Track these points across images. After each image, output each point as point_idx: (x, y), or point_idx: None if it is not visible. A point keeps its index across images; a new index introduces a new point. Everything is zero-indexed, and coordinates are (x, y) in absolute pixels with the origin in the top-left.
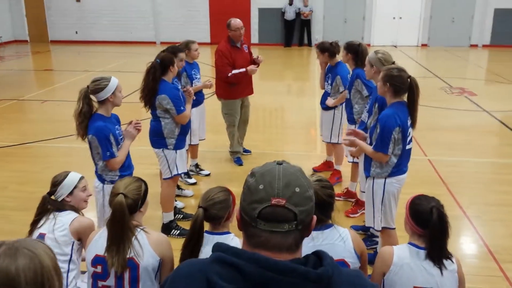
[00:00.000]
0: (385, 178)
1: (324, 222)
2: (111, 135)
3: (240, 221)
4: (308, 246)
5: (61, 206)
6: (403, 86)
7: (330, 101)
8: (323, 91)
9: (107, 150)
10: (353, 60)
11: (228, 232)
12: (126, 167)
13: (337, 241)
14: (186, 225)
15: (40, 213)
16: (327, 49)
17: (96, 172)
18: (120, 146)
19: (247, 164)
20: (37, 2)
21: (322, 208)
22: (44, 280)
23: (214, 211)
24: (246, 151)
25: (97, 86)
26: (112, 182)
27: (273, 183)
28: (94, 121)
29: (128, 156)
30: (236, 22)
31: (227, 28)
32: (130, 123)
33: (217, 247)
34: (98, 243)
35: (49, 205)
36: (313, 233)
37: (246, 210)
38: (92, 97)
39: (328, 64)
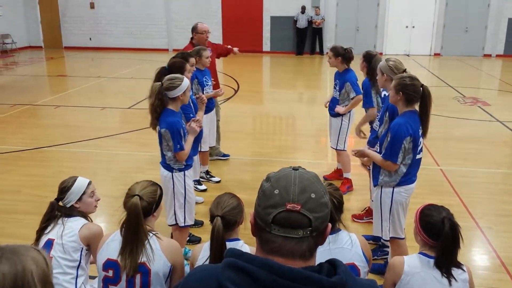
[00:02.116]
0: (393, 188)
1: (334, 227)
2: (181, 130)
3: (254, 226)
4: (321, 251)
5: (70, 212)
6: (416, 95)
7: (340, 109)
8: (331, 97)
9: (178, 143)
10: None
11: (237, 239)
12: (190, 157)
13: (346, 245)
14: (196, 231)
15: (47, 220)
16: (342, 54)
17: (163, 162)
18: (185, 140)
19: (258, 171)
20: (52, 8)
21: (338, 209)
22: (24, 287)
23: (230, 217)
24: (225, 155)
25: (172, 84)
26: (180, 170)
27: (289, 188)
28: (168, 116)
29: (192, 149)
30: (203, 25)
31: (192, 31)
32: (193, 120)
33: (230, 253)
34: (110, 247)
35: (57, 211)
36: (328, 238)
37: (260, 215)
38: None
39: (336, 70)
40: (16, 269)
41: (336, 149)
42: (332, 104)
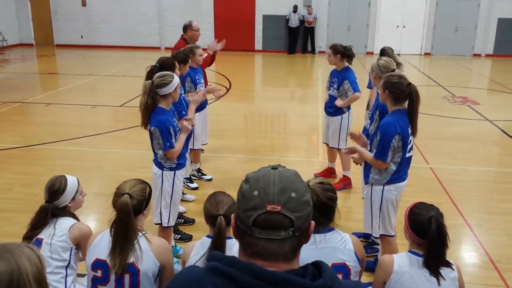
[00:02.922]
0: (384, 185)
1: (325, 226)
2: (171, 128)
3: (235, 229)
4: (309, 249)
5: (62, 213)
6: (403, 93)
7: (339, 102)
8: (327, 97)
9: (167, 141)
10: None
11: (231, 237)
12: (182, 156)
13: (338, 244)
14: (187, 229)
15: (41, 225)
16: (340, 52)
17: (155, 160)
18: (177, 138)
19: (250, 169)
20: (44, 6)
21: (322, 210)
22: (20, 286)
23: (231, 216)
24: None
25: (163, 81)
26: (170, 169)
27: (268, 189)
28: (157, 114)
29: (183, 146)
30: (196, 23)
31: (186, 29)
32: (185, 119)
33: (212, 257)
34: (99, 247)
35: (50, 214)
36: (315, 236)
37: (241, 218)
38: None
39: (334, 68)
40: (11, 268)
41: (337, 149)
42: (330, 102)
